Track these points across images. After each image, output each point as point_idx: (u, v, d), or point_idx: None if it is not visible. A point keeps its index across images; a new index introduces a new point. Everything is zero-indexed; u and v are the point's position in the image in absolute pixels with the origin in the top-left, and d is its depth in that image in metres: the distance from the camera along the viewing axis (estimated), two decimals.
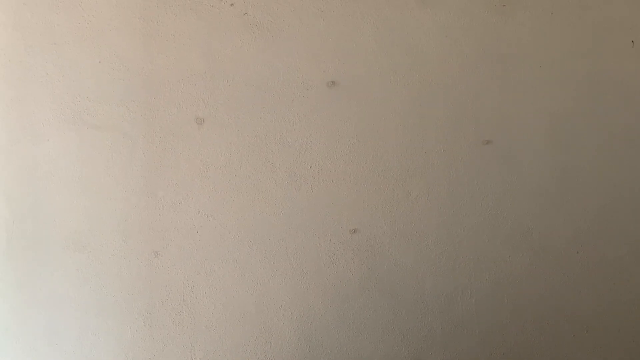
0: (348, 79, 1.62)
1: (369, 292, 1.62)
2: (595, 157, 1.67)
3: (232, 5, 1.57)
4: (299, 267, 1.60)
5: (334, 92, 1.62)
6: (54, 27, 1.54)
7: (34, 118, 1.54)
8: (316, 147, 1.61)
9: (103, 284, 1.55)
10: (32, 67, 1.54)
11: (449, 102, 1.64)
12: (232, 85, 1.58)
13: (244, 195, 1.59)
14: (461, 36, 1.64)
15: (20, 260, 1.54)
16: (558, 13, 1.66)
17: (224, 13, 1.57)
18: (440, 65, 1.64)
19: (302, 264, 1.61)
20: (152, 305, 1.57)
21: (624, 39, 1.69)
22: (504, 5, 1.64)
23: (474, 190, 1.65)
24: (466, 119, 1.65)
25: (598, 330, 1.67)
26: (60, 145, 1.55)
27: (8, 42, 1.54)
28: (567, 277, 1.66)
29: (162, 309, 1.57)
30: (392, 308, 1.63)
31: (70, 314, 1.55)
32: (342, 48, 1.62)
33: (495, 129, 1.66)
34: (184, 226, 1.57)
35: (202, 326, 1.58)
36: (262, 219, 1.60)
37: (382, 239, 1.63)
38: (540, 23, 1.67)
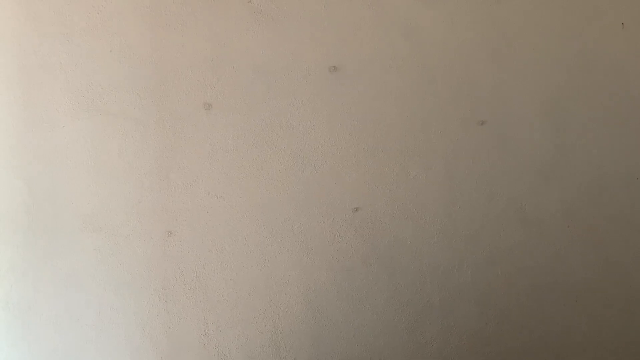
0: (349, 64, 1.65)
1: (370, 266, 1.67)
2: (586, 136, 1.71)
3: None
4: (305, 243, 1.65)
5: (335, 76, 1.65)
6: (65, 18, 1.57)
7: (49, 106, 1.57)
8: (319, 129, 1.65)
9: (120, 262, 1.59)
10: (46, 57, 1.57)
11: (446, 84, 1.68)
12: (237, 71, 1.61)
13: (251, 176, 1.63)
14: (458, 21, 1.68)
15: (41, 241, 1.58)
16: None
17: (230, 1, 1.60)
18: (438, 49, 1.67)
19: (307, 240, 1.65)
20: (167, 282, 1.61)
21: (615, 21, 1.73)
22: None
23: (470, 168, 1.69)
24: (462, 101, 1.68)
25: (587, 299, 1.72)
26: (75, 132, 1.58)
27: (22, 33, 1.56)
28: (557, 250, 1.71)
29: (176, 285, 1.61)
30: (392, 281, 1.68)
31: (89, 290, 1.59)
32: (343, 34, 1.65)
33: (490, 110, 1.69)
34: (195, 207, 1.61)
35: (214, 300, 1.63)
36: (269, 199, 1.64)
37: (382, 216, 1.67)
38: (534, 7, 1.70)
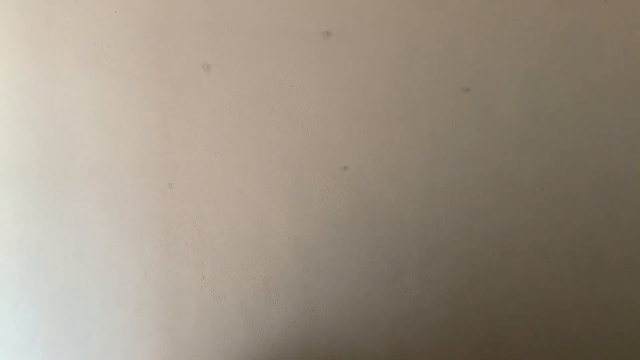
0: (342, 30, 1.69)
1: (356, 221, 1.75)
2: (563, 104, 1.76)
3: None
4: (295, 198, 1.73)
5: (328, 42, 1.70)
6: None
7: (58, 63, 1.65)
8: (312, 92, 1.71)
9: (124, 210, 1.69)
10: (55, 17, 1.64)
11: (433, 52, 1.72)
12: (235, 34, 1.67)
13: (246, 135, 1.70)
14: None
15: (51, 190, 1.68)
16: None
17: None
18: (425, 18, 1.71)
19: (298, 196, 1.73)
20: (168, 230, 1.71)
21: None
22: None
23: (452, 133, 1.75)
24: (448, 69, 1.73)
25: (556, 256, 1.80)
26: (82, 88, 1.66)
27: None
28: (531, 211, 1.78)
29: (176, 233, 1.71)
30: (376, 235, 1.76)
31: (96, 236, 1.70)
32: (336, 1, 1.69)
33: (474, 77, 1.74)
34: (194, 161, 1.69)
35: (211, 248, 1.74)
36: (263, 156, 1.71)
37: (369, 175, 1.74)
38: None
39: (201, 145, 1.71)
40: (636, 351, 1.87)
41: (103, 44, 1.66)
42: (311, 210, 1.76)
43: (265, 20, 1.69)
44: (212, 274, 1.75)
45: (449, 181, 1.78)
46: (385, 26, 1.72)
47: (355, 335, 1.81)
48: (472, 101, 1.76)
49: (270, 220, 1.75)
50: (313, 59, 1.71)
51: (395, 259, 1.79)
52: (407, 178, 1.77)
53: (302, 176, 1.74)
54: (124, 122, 1.69)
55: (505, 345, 1.85)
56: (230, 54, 1.69)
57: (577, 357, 1.86)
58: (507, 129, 1.78)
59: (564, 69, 1.77)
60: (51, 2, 1.64)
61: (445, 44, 1.74)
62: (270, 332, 1.79)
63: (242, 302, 1.77)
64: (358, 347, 1.82)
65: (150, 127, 1.69)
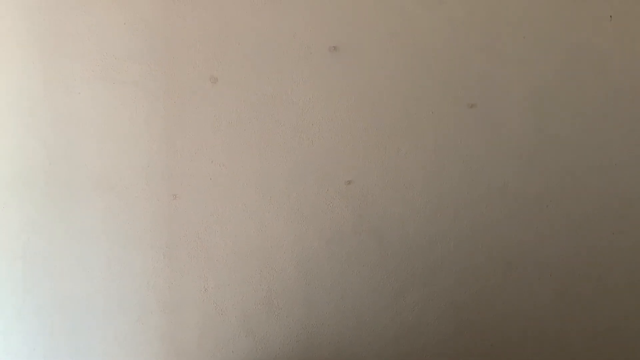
0: (348, 45, 1.70)
1: (360, 236, 1.75)
2: (568, 122, 1.76)
3: None
4: (300, 212, 1.74)
5: (335, 56, 1.71)
6: None
7: (66, 73, 1.66)
8: (317, 106, 1.71)
9: (128, 220, 1.69)
10: (64, 27, 1.65)
11: (439, 68, 1.73)
12: (243, 47, 1.68)
13: (252, 147, 1.71)
14: (453, 6, 1.72)
15: (57, 199, 1.68)
16: None
17: None
18: (432, 33, 1.72)
19: (302, 209, 1.74)
20: (171, 241, 1.71)
21: (603, 13, 1.76)
22: None
23: (457, 148, 1.75)
24: (453, 84, 1.73)
25: (561, 274, 1.79)
26: (90, 98, 1.66)
27: (41, 3, 1.65)
28: (535, 228, 1.78)
29: (180, 244, 1.71)
30: (379, 250, 1.76)
31: (99, 245, 1.70)
32: (343, 15, 1.70)
33: (480, 94, 1.74)
34: (199, 173, 1.70)
35: (214, 260, 1.73)
36: (268, 169, 1.72)
37: (373, 189, 1.74)
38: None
39: (206, 157, 1.71)
40: None
41: (111, 55, 1.68)
42: (315, 223, 1.75)
43: (272, 35, 1.70)
44: (214, 286, 1.75)
45: (453, 196, 1.78)
46: (392, 41, 1.73)
47: (358, 350, 1.80)
48: (477, 117, 1.76)
49: (273, 234, 1.75)
50: (319, 73, 1.72)
51: (399, 273, 1.79)
52: (411, 193, 1.77)
53: (306, 189, 1.74)
54: (130, 133, 1.70)
55: None
56: (237, 67, 1.70)
57: None
58: (512, 145, 1.77)
59: (569, 86, 1.78)
60: (60, 13, 1.66)
61: (452, 60, 1.74)
62: (272, 346, 1.78)
63: (244, 315, 1.76)
64: None
65: (156, 138, 1.70)
